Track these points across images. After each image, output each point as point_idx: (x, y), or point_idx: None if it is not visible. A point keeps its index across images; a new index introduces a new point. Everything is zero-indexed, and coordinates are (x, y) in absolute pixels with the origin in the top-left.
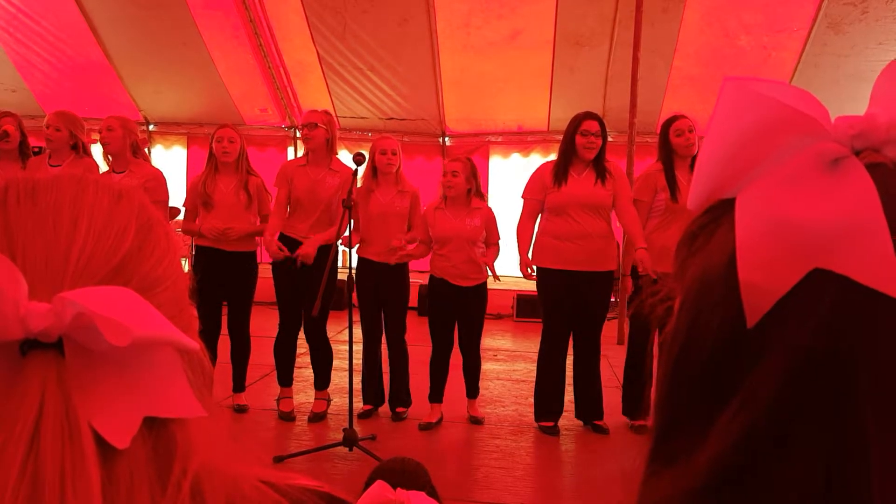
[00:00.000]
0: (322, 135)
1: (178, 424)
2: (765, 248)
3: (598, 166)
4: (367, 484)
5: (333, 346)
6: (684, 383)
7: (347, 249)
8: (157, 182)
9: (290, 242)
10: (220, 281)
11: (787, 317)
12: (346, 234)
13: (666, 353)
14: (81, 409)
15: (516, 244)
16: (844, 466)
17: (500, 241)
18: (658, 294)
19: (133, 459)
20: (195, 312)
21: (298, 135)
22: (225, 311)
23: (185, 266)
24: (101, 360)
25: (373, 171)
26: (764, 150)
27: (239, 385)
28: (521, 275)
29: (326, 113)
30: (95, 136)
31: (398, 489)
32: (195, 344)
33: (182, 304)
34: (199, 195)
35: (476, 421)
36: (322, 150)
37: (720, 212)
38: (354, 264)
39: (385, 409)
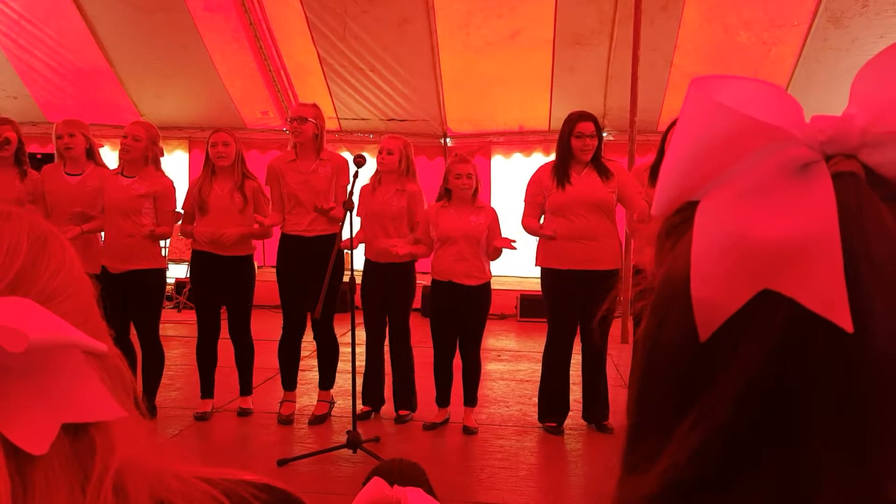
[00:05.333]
0: (311, 129)
1: (98, 427)
2: (717, 263)
3: (598, 165)
4: (365, 484)
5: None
6: (649, 392)
7: (350, 251)
8: (165, 190)
9: (294, 240)
10: (217, 285)
11: (738, 338)
12: (348, 235)
13: (637, 357)
14: None
15: (530, 233)
16: (794, 493)
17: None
18: (639, 288)
19: (49, 465)
20: (102, 322)
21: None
22: (225, 315)
23: (187, 271)
24: (6, 372)
25: (378, 169)
26: (727, 161)
27: (246, 388)
28: (524, 274)
29: (315, 107)
30: (100, 142)
31: (395, 486)
32: (102, 346)
33: (88, 312)
34: (194, 200)
35: (469, 431)
36: (311, 144)
37: (690, 213)
38: (358, 266)
39: (389, 411)
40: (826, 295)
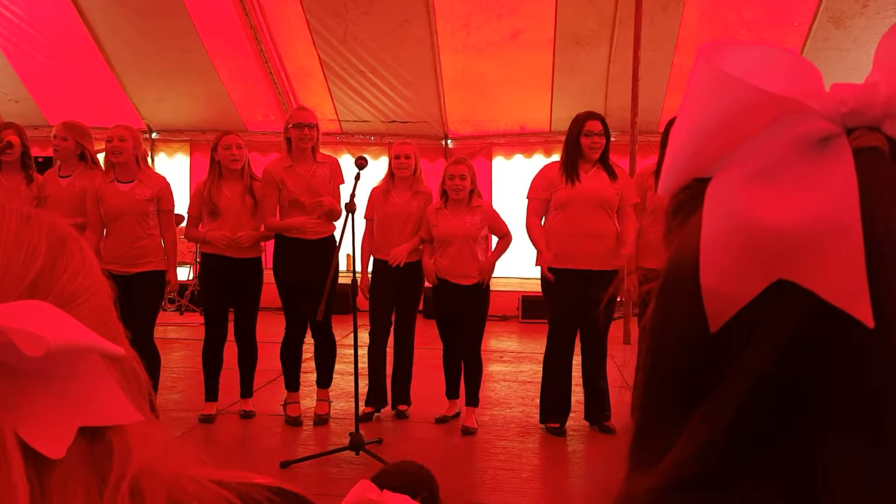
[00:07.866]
0: (316, 135)
1: (115, 431)
2: (728, 251)
3: (606, 165)
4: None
5: (339, 351)
6: (656, 385)
7: (351, 253)
8: (167, 192)
9: (293, 243)
10: (227, 287)
11: (750, 331)
12: (350, 237)
13: (644, 348)
14: (6, 424)
15: (531, 242)
16: (803, 492)
17: (510, 231)
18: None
19: (67, 468)
20: (120, 324)
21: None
22: (230, 317)
23: (189, 273)
24: (25, 375)
25: (391, 173)
26: (738, 137)
27: (246, 391)
28: (525, 275)
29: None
30: (99, 145)
31: (384, 490)
32: (121, 350)
33: (107, 314)
34: (204, 203)
35: (468, 431)
36: (309, 150)
37: (699, 189)
38: (359, 268)
39: (388, 410)
40: (845, 286)
